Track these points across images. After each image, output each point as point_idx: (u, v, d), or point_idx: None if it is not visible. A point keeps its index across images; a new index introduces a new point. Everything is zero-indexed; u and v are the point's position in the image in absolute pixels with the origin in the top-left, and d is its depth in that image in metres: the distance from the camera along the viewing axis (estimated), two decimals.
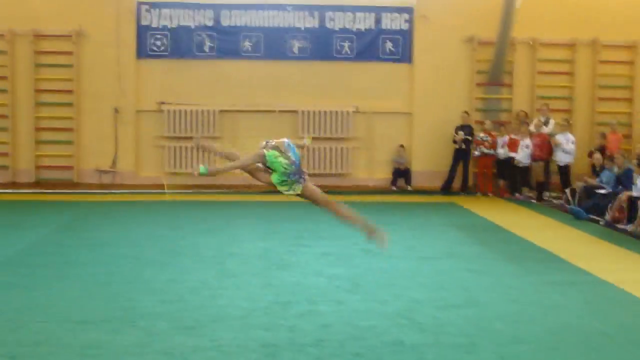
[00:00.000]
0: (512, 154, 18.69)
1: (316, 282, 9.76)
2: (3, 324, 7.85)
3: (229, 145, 19.20)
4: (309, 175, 8.61)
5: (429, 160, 19.94)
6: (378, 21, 19.84)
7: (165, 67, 19.47)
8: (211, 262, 11.02)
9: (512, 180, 18.95)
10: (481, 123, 19.64)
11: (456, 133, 19.09)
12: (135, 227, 13.81)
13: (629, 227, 14.28)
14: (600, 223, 15.07)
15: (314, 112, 19.38)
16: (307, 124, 19.32)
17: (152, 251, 11.71)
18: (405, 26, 19.87)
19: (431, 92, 19.76)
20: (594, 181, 16.68)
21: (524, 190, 18.74)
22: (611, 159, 16.61)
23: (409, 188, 19.66)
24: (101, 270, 10.36)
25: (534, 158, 18.62)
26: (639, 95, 20.38)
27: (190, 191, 18.54)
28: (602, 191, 15.89)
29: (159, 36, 19.35)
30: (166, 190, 7.44)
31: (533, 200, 18.20)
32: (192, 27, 19.38)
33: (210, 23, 19.43)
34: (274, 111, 19.37)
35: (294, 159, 8.13)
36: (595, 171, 17.20)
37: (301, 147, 9.00)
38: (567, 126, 18.75)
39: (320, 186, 8.51)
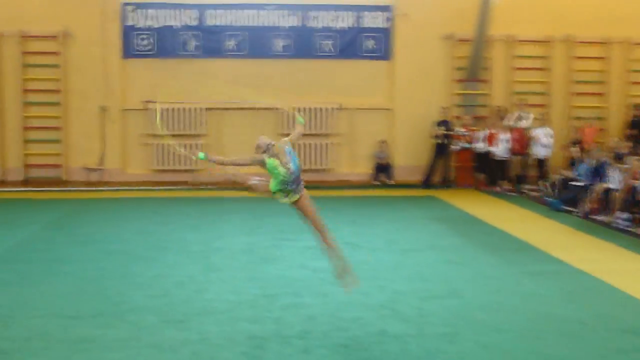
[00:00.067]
0: (491, 148, 18.73)
1: (301, 275, 9.76)
2: None
3: (215, 141, 19.31)
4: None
5: (410, 155, 19.94)
6: (359, 19, 19.82)
7: (150, 67, 19.38)
8: (198, 257, 10.99)
9: (491, 174, 18.98)
10: (460, 118, 19.67)
11: (436, 128, 19.14)
12: (123, 224, 13.76)
13: (605, 218, 14.36)
14: (577, 214, 15.14)
15: (297, 109, 19.33)
16: (290, 120, 19.30)
17: (140, 247, 11.68)
18: (385, 24, 19.86)
19: (411, 88, 19.76)
20: (569, 174, 16.74)
21: (503, 183, 18.77)
22: (587, 152, 16.69)
23: (391, 182, 19.65)
24: (90, 266, 10.33)
25: (512, 152, 18.68)
26: (612, 90, 20.48)
27: (177, 188, 18.51)
28: (578, 183, 15.95)
29: (144, 36, 19.27)
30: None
31: (511, 193, 18.24)
32: (177, 27, 19.29)
33: (194, 23, 19.35)
34: (258, 108, 19.33)
35: (293, 168, 7.96)
36: (572, 164, 17.26)
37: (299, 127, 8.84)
38: (543, 120, 18.84)
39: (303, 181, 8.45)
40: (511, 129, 18.68)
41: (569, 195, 15.90)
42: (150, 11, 19.21)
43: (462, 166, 19.48)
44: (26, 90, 19.13)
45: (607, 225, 14.02)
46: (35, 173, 19.32)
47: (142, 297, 8.80)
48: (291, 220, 13.58)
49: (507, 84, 20.22)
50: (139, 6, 19.19)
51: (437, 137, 19.15)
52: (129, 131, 19.43)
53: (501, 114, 19.28)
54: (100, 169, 19.30)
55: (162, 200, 16.77)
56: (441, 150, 19.24)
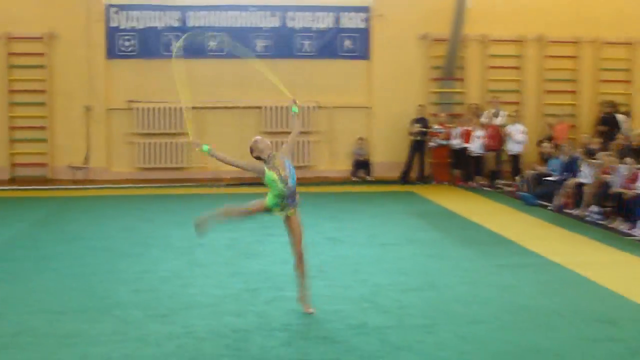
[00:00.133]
0: (466, 145, 18.78)
1: (283, 269, 9.73)
2: None
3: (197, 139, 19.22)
4: None
5: (388, 152, 19.96)
6: (337, 20, 19.83)
7: (134, 67, 19.29)
8: (182, 253, 10.96)
9: (466, 169, 19.03)
10: (436, 115, 19.72)
11: (413, 125, 19.18)
12: (109, 221, 13.69)
13: (577, 212, 14.43)
14: (550, 208, 15.20)
15: (277, 108, 19.32)
16: (270, 119, 19.28)
17: (125, 243, 11.63)
18: (363, 25, 19.88)
19: (388, 87, 19.77)
20: (543, 169, 16.81)
21: (478, 178, 18.82)
22: (559, 147, 16.76)
23: (369, 178, 19.66)
24: (76, 263, 10.28)
25: (486, 148, 18.73)
26: (583, 88, 20.58)
27: (161, 185, 18.45)
28: (551, 178, 16.02)
29: (127, 37, 19.18)
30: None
31: (486, 188, 18.30)
32: (160, 28, 19.21)
33: (177, 24, 19.27)
34: (239, 107, 19.30)
35: (291, 184, 7.89)
36: (545, 159, 17.33)
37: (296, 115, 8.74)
38: (517, 117, 18.91)
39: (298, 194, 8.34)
40: (486, 126, 18.74)
41: (542, 190, 15.96)
42: (134, 13, 19.14)
43: (439, 162, 19.52)
44: (12, 91, 19.01)
45: (579, 218, 14.08)
46: (21, 172, 19.19)
47: (128, 292, 8.77)
48: (273, 216, 13.58)
49: (481, 83, 20.28)
50: (122, 8, 19.11)
51: (414, 134, 19.18)
52: (114, 130, 19.34)
53: (476, 111, 19.33)
54: (86, 168, 19.19)
55: (146, 198, 16.71)
56: (418, 147, 19.28)
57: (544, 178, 16.28)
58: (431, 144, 19.36)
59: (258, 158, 7.95)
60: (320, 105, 19.54)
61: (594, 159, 14.83)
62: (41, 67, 18.99)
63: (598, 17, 20.15)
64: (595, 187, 14.12)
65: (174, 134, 19.17)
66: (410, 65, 19.91)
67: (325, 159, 19.89)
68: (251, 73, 19.24)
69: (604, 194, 13.86)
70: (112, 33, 19.15)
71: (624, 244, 11.77)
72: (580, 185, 14.65)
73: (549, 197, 15.57)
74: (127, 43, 19.18)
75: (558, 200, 15.15)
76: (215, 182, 18.74)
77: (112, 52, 19.21)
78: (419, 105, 19.45)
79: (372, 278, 9.45)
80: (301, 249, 7.94)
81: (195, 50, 19.29)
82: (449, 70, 20.06)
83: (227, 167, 19.86)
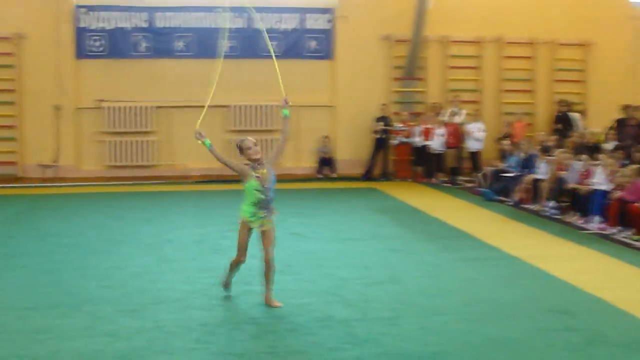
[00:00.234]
0: (427, 142, 18.85)
1: (250, 264, 9.65)
2: None
3: (165, 138, 19.16)
4: None
5: (352, 149, 20.00)
6: (302, 21, 19.81)
7: (103, 67, 19.13)
8: (151, 249, 10.88)
9: (428, 166, 19.11)
10: (398, 114, 19.78)
11: (376, 124, 19.22)
12: (78, 218, 13.56)
13: (534, 207, 14.54)
14: (508, 203, 15.31)
15: (244, 107, 19.27)
16: (238, 117, 19.21)
17: (95, 240, 11.52)
18: (327, 26, 19.88)
19: (352, 86, 19.80)
20: (501, 165, 16.92)
21: (439, 175, 18.91)
22: (516, 145, 16.89)
23: (334, 175, 19.68)
24: (47, 260, 10.16)
25: (447, 145, 18.84)
26: (539, 87, 20.76)
27: (130, 183, 18.32)
28: (509, 174, 16.12)
29: (96, 37, 19.00)
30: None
31: (447, 184, 18.39)
32: (128, 28, 19.07)
33: (145, 25, 19.15)
34: (206, 106, 19.17)
35: (270, 195, 7.84)
36: (503, 156, 17.44)
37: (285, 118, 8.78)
38: (476, 116, 19.04)
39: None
40: (446, 124, 18.85)
41: (500, 186, 16.07)
42: (102, 13, 18.97)
43: (401, 159, 19.59)
44: None
45: (536, 213, 14.19)
46: None
47: (98, 288, 8.68)
48: (239, 212, 13.52)
49: (442, 82, 20.38)
50: (91, 9, 18.94)
51: (376, 132, 19.23)
52: (83, 129, 19.17)
53: (437, 110, 19.43)
54: (55, 166, 19.00)
55: (116, 195, 16.57)
56: (381, 144, 19.33)
57: (502, 174, 16.38)
58: (393, 141, 19.42)
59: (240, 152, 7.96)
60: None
61: (550, 155, 14.95)
62: (10, 66, 18.76)
63: (554, 19, 20.35)
64: (551, 182, 14.25)
65: (142, 133, 19.06)
66: (373, 65, 19.95)
67: (290, 156, 19.84)
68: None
69: (559, 190, 13.99)
70: (80, 33, 18.97)
71: (579, 238, 11.87)
72: (537, 181, 14.77)
73: (507, 192, 15.68)
74: (95, 43, 19.00)
75: (516, 195, 15.26)
76: (184, 179, 18.70)
77: (81, 52, 19.03)
78: (382, 104, 19.51)
79: (337, 272, 9.44)
80: (270, 258, 7.89)
81: (163, 50, 19.22)
82: (410, 70, 20.13)
83: (195, 164, 19.91)
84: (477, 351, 6.63)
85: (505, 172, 16.34)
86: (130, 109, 19.03)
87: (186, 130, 18.85)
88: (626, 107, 17.34)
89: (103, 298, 8.23)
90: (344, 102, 19.88)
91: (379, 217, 13.78)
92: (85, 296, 8.31)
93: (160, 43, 19.22)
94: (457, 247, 11.07)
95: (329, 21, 19.86)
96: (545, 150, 15.45)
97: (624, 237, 11.76)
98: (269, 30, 19.44)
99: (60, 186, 17.92)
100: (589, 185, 13.16)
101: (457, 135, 18.87)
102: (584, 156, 13.99)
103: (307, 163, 19.88)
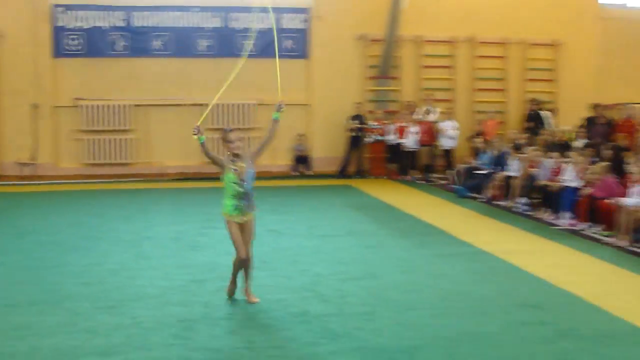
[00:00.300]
0: (401, 140, 18.90)
1: (227, 261, 9.63)
2: None
3: (142, 136, 19.07)
4: None
5: (327, 147, 19.99)
6: (278, 21, 19.73)
7: (80, 66, 18.98)
8: (129, 246, 10.82)
9: (402, 164, 19.15)
10: (372, 112, 19.80)
11: (350, 122, 19.25)
12: (57, 216, 13.47)
13: (506, 203, 14.62)
14: (481, 200, 15.38)
15: (220, 105, 19.21)
16: (214, 116, 19.13)
17: (73, 237, 11.44)
18: (302, 25, 19.86)
19: (327, 85, 19.79)
20: (474, 163, 17.00)
21: (412, 172, 18.96)
22: (489, 143, 16.97)
23: (309, 173, 19.69)
24: (26, 257, 10.09)
25: (420, 143, 18.90)
26: (511, 87, 20.87)
27: (108, 180, 18.23)
28: (482, 172, 16.20)
29: (74, 36, 18.86)
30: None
31: (420, 181, 18.45)
32: (106, 27, 18.93)
33: (122, 24, 19.02)
34: (183, 104, 19.14)
35: (248, 188, 7.81)
36: (476, 154, 17.52)
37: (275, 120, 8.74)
38: (449, 114, 19.12)
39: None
40: (420, 122, 18.90)
41: (473, 183, 16.14)
42: (79, 12, 18.83)
43: (375, 157, 19.61)
44: None
45: (508, 209, 14.27)
46: None
47: (77, 284, 8.63)
48: (216, 209, 13.42)
49: (415, 81, 20.42)
50: (68, 8, 18.78)
51: (351, 130, 19.26)
52: (61, 127, 19.02)
53: (410, 108, 19.47)
54: (33, 164, 18.85)
55: (94, 193, 16.48)
56: (356, 142, 19.36)
57: (474, 171, 16.46)
58: (368, 139, 19.44)
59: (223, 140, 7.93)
60: (262, 102, 19.45)
61: (522, 153, 15.03)
62: None
63: (525, 19, 20.48)
64: (523, 179, 14.33)
65: (120, 131, 18.96)
66: (348, 65, 19.96)
67: (266, 154, 19.50)
68: (195, 71, 19.26)
69: (530, 186, 14.08)
70: (58, 32, 18.81)
71: (549, 233, 11.96)
72: (508, 178, 14.85)
73: (479, 189, 15.75)
74: (73, 42, 18.86)
75: (488, 192, 15.34)
76: (161, 177, 18.64)
77: (59, 51, 18.88)
78: (356, 103, 19.53)
79: (313, 268, 9.45)
80: (248, 252, 7.87)
81: (140, 49, 19.13)
82: (384, 69, 20.16)
83: (171, 162, 19.85)
84: (451, 345, 6.66)
85: (478, 170, 16.42)
86: (108, 108, 18.92)
87: (163, 129, 19.04)
88: (595, 106, 17.48)
89: (82, 295, 8.19)
90: (319, 101, 19.87)
91: (354, 214, 13.80)
92: (64, 293, 8.26)
93: (138, 42, 19.12)
94: (431, 243, 11.10)
95: (305, 21, 19.84)
96: (517, 148, 15.53)
97: (593, 233, 11.87)
98: (244, 30, 19.48)
99: (39, 184, 17.81)
100: (560, 182, 13.26)
101: (430, 133, 18.93)
102: (554, 154, 14.10)
103: (283, 161, 19.86)
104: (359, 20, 19.87)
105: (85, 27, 18.87)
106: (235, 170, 7.75)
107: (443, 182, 17.95)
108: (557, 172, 13.65)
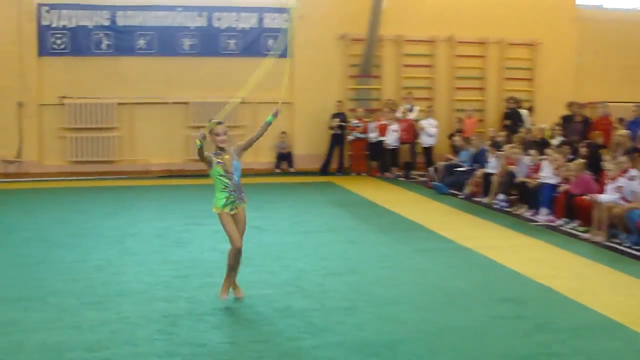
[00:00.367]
0: (382, 138, 18.92)
1: (211, 257, 9.67)
2: None
3: (127, 134, 19.00)
4: None
5: (309, 145, 19.99)
6: (260, 20, 19.74)
7: (65, 64, 18.85)
8: (114, 242, 10.78)
9: (383, 161, 19.18)
10: (354, 110, 19.80)
11: (332, 120, 19.26)
12: (42, 213, 13.38)
13: (485, 200, 14.67)
14: (460, 197, 15.43)
15: (203, 103, 19.15)
16: (198, 114, 19.07)
17: (58, 234, 11.38)
18: (284, 25, 19.84)
19: (309, 84, 19.77)
20: (454, 160, 17.05)
21: (393, 169, 18.99)
22: (468, 140, 17.02)
23: (291, 170, 19.68)
24: (11, 254, 10.03)
25: (401, 141, 18.92)
26: (489, 85, 20.95)
27: (92, 178, 18.14)
28: (461, 169, 16.25)
29: (59, 35, 18.74)
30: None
31: (401, 178, 18.49)
32: (90, 26, 18.81)
33: (107, 23, 18.91)
34: (167, 103, 19.09)
35: (236, 180, 7.77)
36: (455, 151, 17.57)
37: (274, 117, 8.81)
38: (429, 112, 19.16)
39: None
40: (400, 120, 18.93)
41: (452, 180, 16.20)
42: (64, 12, 18.70)
43: (357, 154, 19.63)
44: None
45: (487, 206, 14.33)
46: None
47: (62, 281, 8.59)
48: (200, 206, 13.47)
49: (396, 80, 20.45)
50: (53, 7, 18.65)
51: (333, 128, 19.26)
52: (46, 125, 18.89)
53: (391, 106, 19.50)
54: (18, 161, 18.73)
55: (78, 190, 16.38)
56: (337, 140, 19.37)
57: (454, 169, 16.52)
58: (349, 137, 19.46)
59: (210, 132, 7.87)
60: (245, 100, 19.38)
61: (500, 150, 15.09)
62: None
63: (503, 19, 20.55)
64: (501, 176, 14.39)
65: (104, 129, 18.86)
66: (330, 64, 19.96)
67: (249, 152, 19.45)
68: (179, 70, 19.21)
69: (509, 183, 14.14)
70: (43, 31, 18.68)
71: (528, 229, 12.02)
72: (488, 175, 14.92)
73: (459, 186, 15.81)
74: (58, 41, 18.75)
75: (468, 189, 15.40)
76: (145, 174, 18.58)
77: (44, 49, 18.75)
78: (338, 101, 19.54)
79: (295, 264, 9.45)
80: (240, 243, 7.72)
81: (124, 48, 19.04)
82: (366, 68, 20.18)
83: (156, 159, 19.80)
84: (431, 339, 6.69)
85: (457, 167, 16.48)
86: (93, 106, 18.81)
87: (148, 127, 18.97)
88: (572, 104, 17.54)
89: (67, 291, 8.15)
90: (301, 99, 19.85)
91: (335, 210, 13.80)
92: (50, 289, 8.23)
93: (122, 41, 19.02)
94: (412, 239, 11.13)
95: (287, 20, 19.81)
96: (496, 146, 15.58)
97: (570, 229, 11.93)
98: (227, 29, 19.46)
99: (24, 181, 17.70)
100: (537, 179, 13.32)
101: (411, 131, 18.96)
102: (532, 151, 14.15)
103: (265, 158, 19.82)
104: (340, 20, 19.87)
105: (70, 26, 18.74)
106: (220, 162, 7.73)
107: (423, 179, 17.99)
108: (535, 169, 13.72)
